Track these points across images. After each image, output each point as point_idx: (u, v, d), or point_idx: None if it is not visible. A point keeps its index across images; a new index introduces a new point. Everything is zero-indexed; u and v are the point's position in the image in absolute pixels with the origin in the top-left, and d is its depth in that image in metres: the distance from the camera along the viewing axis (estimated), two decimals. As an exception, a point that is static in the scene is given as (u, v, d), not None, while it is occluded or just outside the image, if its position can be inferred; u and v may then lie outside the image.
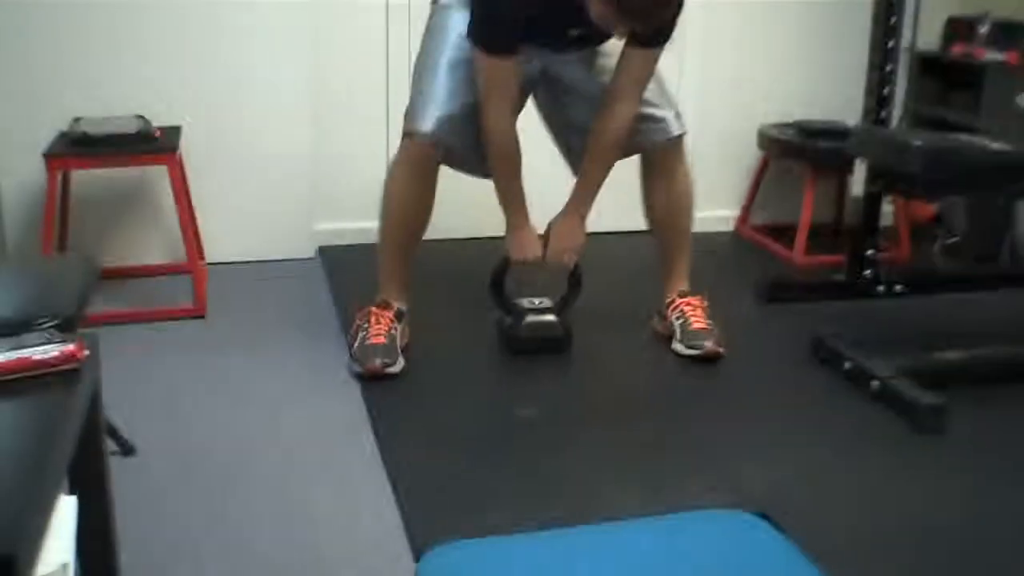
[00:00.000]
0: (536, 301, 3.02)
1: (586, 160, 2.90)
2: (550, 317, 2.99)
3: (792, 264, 3.95)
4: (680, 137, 3.00)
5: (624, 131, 2.83)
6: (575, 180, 2.97)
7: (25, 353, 1.44)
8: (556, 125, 3.06)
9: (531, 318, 2.97)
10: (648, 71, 2.81)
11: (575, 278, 3.02)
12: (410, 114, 2.87)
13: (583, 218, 2.95)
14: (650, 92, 2.90)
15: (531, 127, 3.01)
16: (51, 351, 1.45)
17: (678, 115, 3.00)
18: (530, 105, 3.02)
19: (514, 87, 2.75)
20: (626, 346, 3.17)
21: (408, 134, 2.86)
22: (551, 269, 2.99)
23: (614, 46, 2.80)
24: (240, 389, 2.80)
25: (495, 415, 2.71)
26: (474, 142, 2.84)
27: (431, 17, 2.94)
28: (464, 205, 3.39)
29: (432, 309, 3.26)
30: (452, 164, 2.93)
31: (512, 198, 2.90)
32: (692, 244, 3.18)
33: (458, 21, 2.79)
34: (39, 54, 3.46)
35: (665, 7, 2.50)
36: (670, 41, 2.75)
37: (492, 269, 2.99)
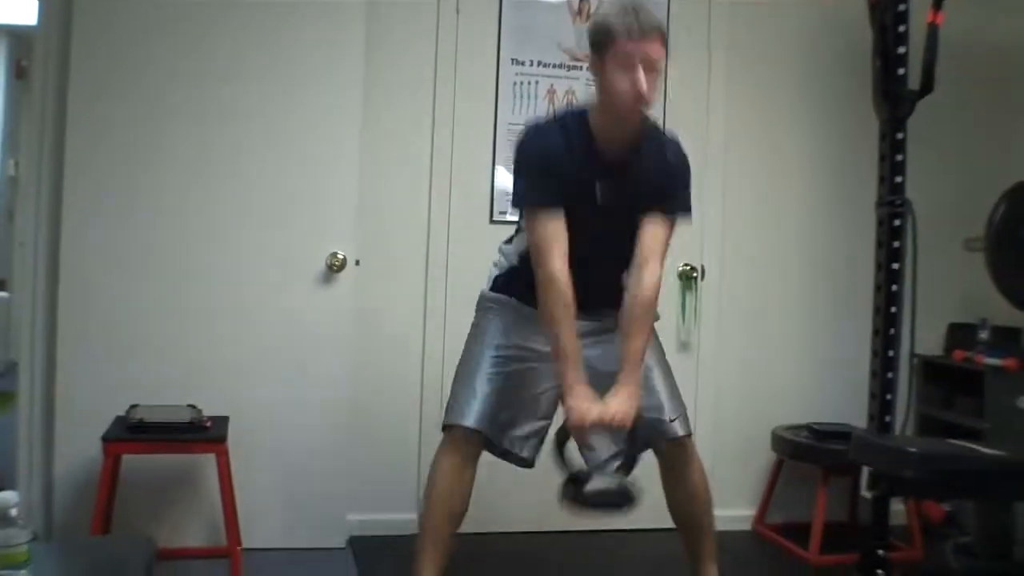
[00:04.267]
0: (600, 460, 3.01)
1: (624, 332, 2.96)
2: (613, 476, 2.93)
3: (808, 563, 4.04)
4: (683, 438, 3.16)
5: (652, 294, 2.94)
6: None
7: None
8: None
9: (595, 479, 2.89)
10: (664, 236, 2.99)
11: (635, 436, 2.94)
12: (451, 409, 3.10)
13: (636, 386, 2.92)
14: (662, 395, 3.13)
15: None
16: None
17: (684, 417, 3.18)
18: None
19: (565, 237, 2.90)
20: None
21: (449, 427, 3.08)
22: (610, 430, 2.91)
23: None
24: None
25: None
26: (509, 441, 3.08)
27: (475, 318, 3.22)
28: (499, 499, 3.54)
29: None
30: (493, 452, 3.12)
31: (570, 351, 2.88)
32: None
33: (494, 325, 3.10)
34: (102, 343, 3.75)
35: (654, 18, 2.84)
36: (684, 214, 3.04)
37: (555, 433, 2.96)
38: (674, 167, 3.05)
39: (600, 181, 2.95)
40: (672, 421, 3.15)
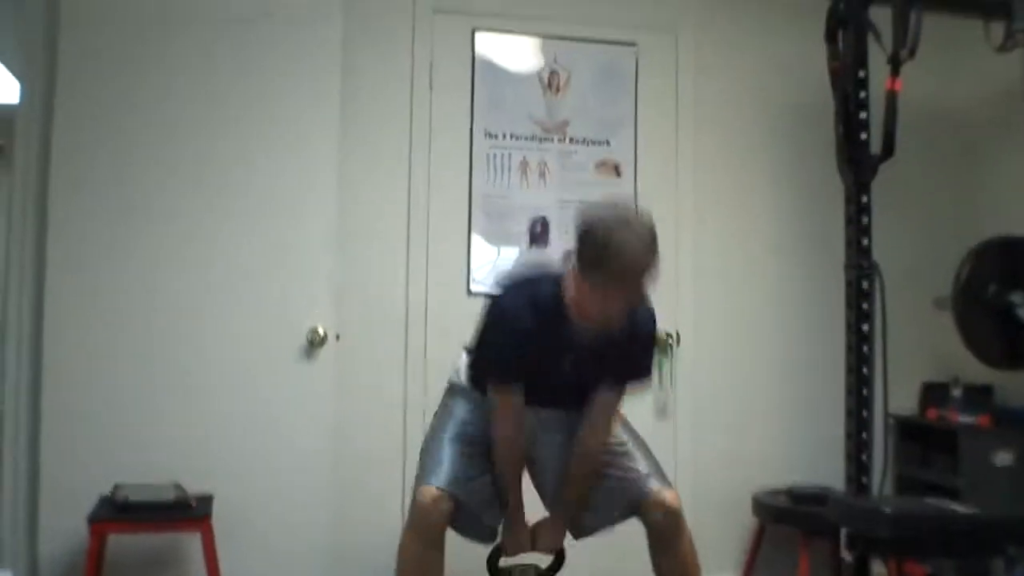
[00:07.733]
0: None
1: (566, 480, 3.21)
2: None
3: (794, 626, 4.06)
4: (673, 507, 3.18)
5: (596, 455, 3.17)
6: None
7: None
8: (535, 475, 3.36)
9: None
10: (616, 404, 3.17)
11: (560, 554, 3.33)
12: (418, 477, 3.16)
13: (564, 521, 3.25)
14: (639, 462, 3.21)
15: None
16: None
17: (664, 478, 3.23)
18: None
19: (520, 407, 3.09)
20: None
21: (416, 491, 3.11)
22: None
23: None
24: None
25: None
26: (477, 505, 3.12)
27: (442, 400, 3.32)
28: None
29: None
30: (457, 527, 3.14)
31: (513, 499, 3.18)
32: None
33: (462, 407, 3.21)
34: (85, 423, 3.72)
35: (649, 255, 2.76)
36: (641, 382, 3.16)
37: (489, 553, 3.27)
38: (642, 338, 3.11)
39: (569, 353, 3.04)
40: (649, 477, 3.21)
